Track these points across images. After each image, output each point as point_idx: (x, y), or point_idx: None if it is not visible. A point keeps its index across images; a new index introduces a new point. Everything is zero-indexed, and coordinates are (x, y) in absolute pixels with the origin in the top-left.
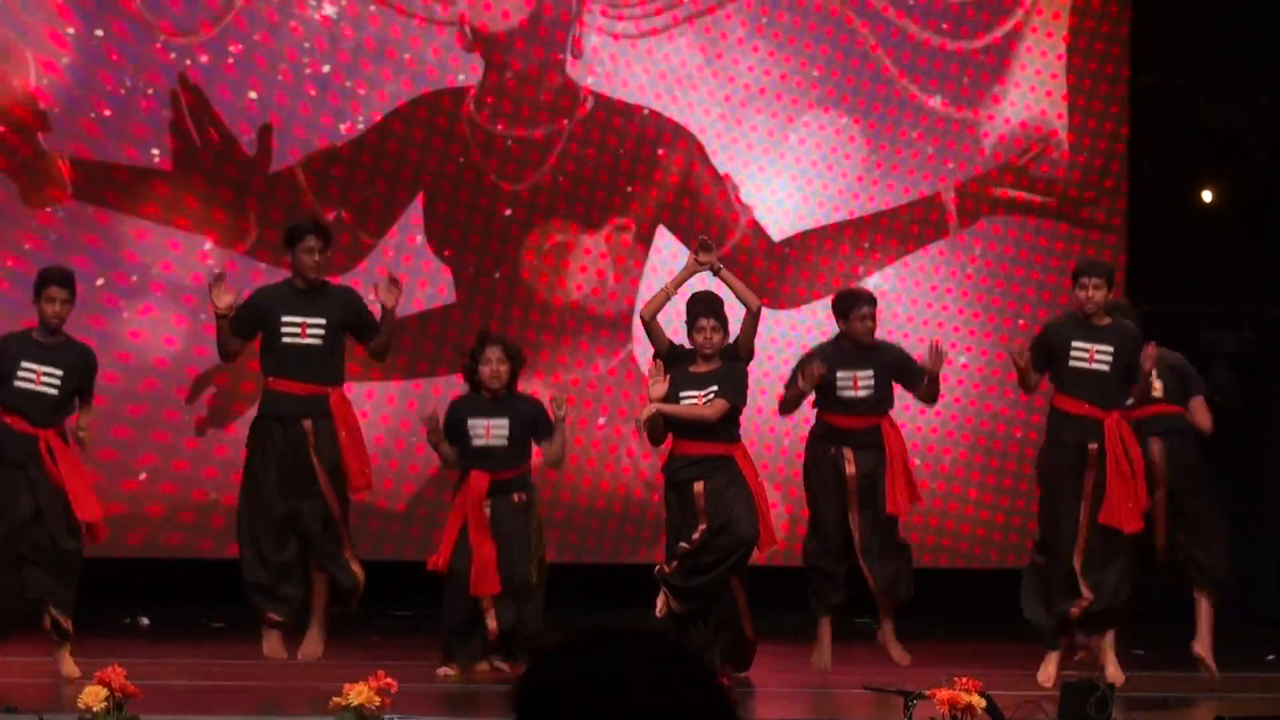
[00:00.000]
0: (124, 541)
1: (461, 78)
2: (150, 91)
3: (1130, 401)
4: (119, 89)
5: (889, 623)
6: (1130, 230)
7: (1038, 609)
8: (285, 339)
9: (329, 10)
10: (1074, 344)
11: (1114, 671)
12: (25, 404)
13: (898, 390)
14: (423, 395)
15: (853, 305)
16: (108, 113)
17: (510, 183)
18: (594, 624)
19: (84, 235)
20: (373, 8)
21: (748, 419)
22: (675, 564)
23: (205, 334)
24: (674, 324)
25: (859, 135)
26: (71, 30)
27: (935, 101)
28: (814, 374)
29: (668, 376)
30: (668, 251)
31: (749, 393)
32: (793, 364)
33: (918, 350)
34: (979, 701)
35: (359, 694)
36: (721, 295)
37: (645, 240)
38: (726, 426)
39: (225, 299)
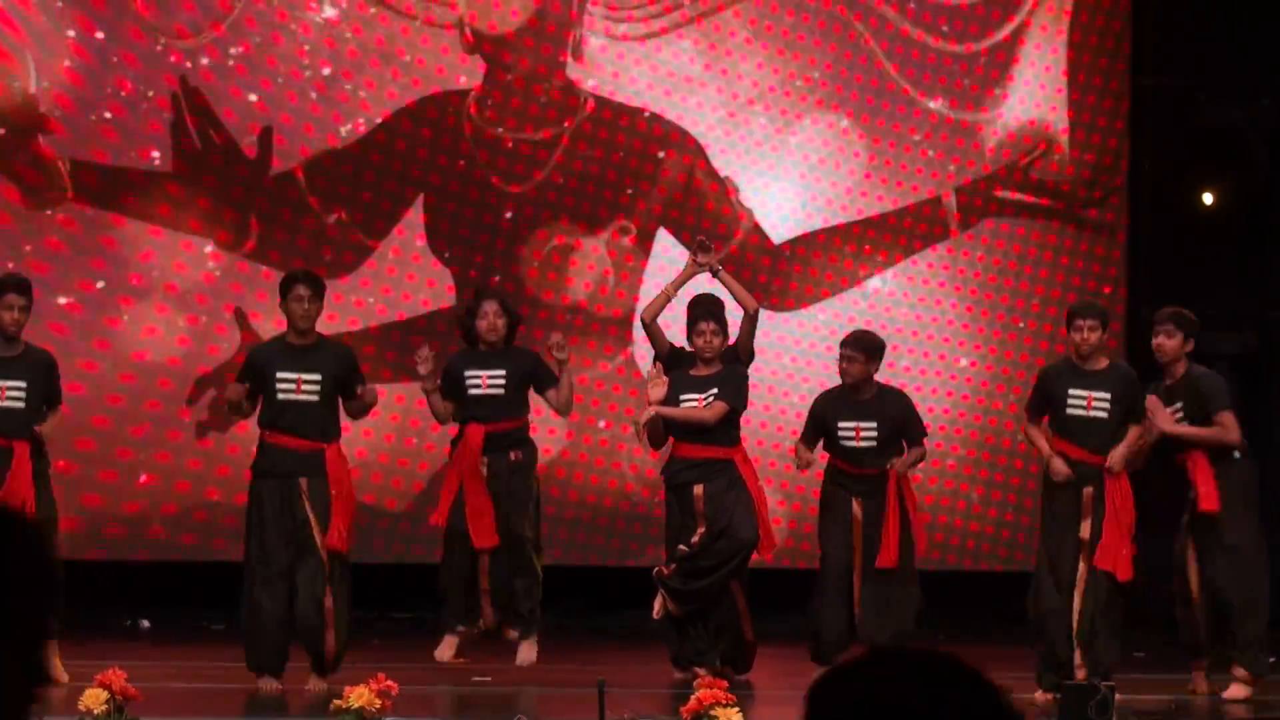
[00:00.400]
0: (133, 544)
1: (463, 80)
2: (152, 94)
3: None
4: (120, 91)
5: None
6: (1131, 232)
7: (1047, 677)
8: (281, 395)
9: (331, 12)
10: (1071, 391)
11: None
12: None
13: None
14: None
15: (842, 345)
16: (109, 115)
17: (512, 184)
18: (891, 643)
19: (85, 237)
20: (375, 10)
21: (748, 421)
22: (674, 566)
23: (206, 335)
24: (675, 326)
25: (860, 137)
26: (72, 32)
27: (936, 104)
28: (802, 461)
29: (667, 379)
30: (669, 254)
31: (749, 396)
32: (793, 368)
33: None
34: None
35: (359, 697)
36: (722, 298)
37: (646, 242)
38: (726, 430)
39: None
